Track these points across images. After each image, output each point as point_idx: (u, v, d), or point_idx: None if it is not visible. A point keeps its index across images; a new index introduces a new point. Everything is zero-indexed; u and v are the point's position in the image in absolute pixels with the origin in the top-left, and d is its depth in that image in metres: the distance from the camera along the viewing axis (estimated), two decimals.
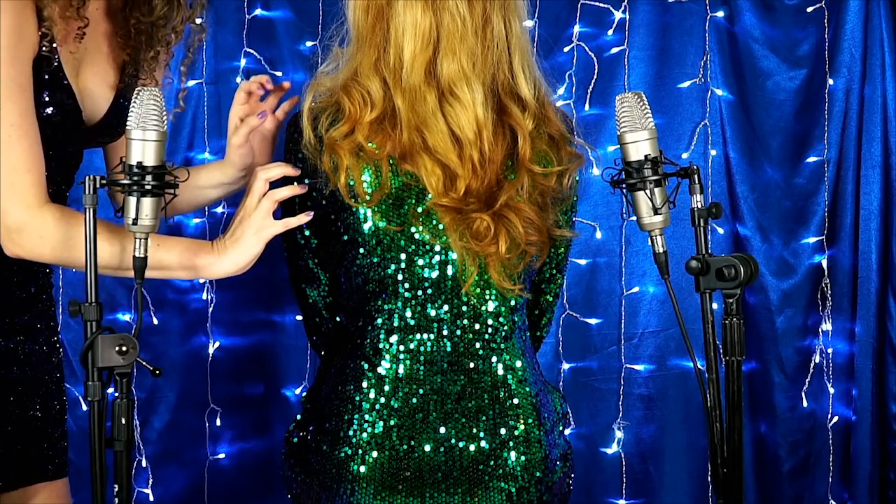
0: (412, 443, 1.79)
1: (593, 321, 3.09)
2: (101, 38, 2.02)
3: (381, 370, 1.81)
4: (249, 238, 1.85)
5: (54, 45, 1.88)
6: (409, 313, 1.82)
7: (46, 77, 1.89)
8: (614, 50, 3.04)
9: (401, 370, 1.81)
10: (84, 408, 2.99)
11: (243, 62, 3.02)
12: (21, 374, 2.02)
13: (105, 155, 2.23)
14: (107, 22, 2.03)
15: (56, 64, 1.90)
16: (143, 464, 3.03)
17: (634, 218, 1.78)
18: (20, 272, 2.00)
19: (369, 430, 1.79)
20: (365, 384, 1.81)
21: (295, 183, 1.85)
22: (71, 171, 2.06)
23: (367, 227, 1.80)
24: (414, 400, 1.81)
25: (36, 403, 2.05)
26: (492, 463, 1.80)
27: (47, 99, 1.90)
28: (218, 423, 3.07)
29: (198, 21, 2.16)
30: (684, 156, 3.04)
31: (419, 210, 1.79)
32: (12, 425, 2.01)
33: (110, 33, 2.03)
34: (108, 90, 2.02)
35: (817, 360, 3.09)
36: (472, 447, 1.80)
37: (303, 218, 1.84)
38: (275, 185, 1.87)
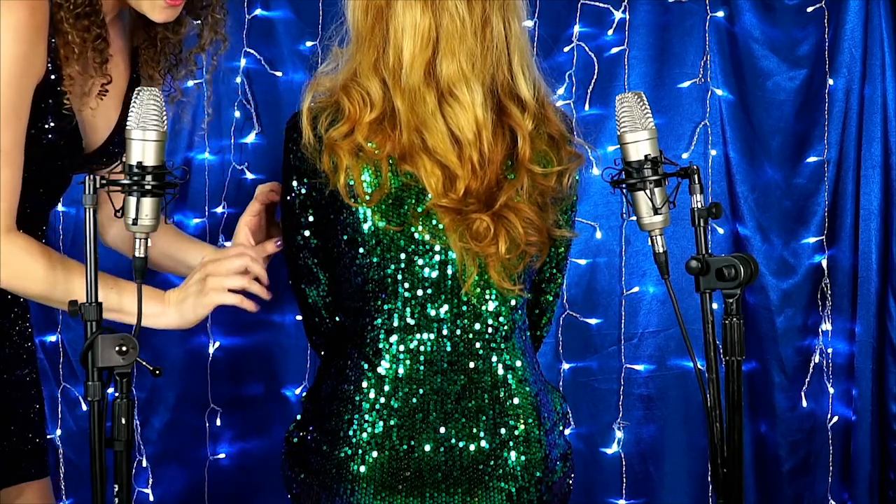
0: (412, 443, 1.79)
1: (593, 321, 3.09)
2: (114, 68, 2.02)
3: (380, 370, 1.81)
4: (203, 300, 1.90)
5: (61, 74, 1.88)
6: (408, 313, 1.82)
7: (51, 102, 1.88)
8: (614, 50, 3.04)
9: (401, 370, 1.81)
10: (84, 408, 2.99)
11: (243, 62, 3.02)
12: None
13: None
14: (122, 58, 2.03)
15: (61, 91, 1.89)
16: (143, 464, 3.03)
17: (634, 218, 1.78)
18: None
19: (369, 429, 1.79)
20: (365, 384, 1.81)
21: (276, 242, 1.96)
22: (58, 194, 2.07)
23: (366, 227, 1.80)
24: (414, 400, 1.81)
25: (17, 405, 2.05)
26: (492, 463, 1.80)
27: (51, 125, 1.90)
28: (218, 423, 3.07)
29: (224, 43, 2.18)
30: (684, 156, 3.04)
31: (419, 210, 1.79)
32: None
33: (122, 56, 2.03)
34: (110, 119, 2.02)
35: (817, 360, 3.09)
36: (472, 447, 1.80)
37: (251, 307, 1.94)
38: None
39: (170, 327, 1.94)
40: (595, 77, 3.04)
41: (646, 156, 1.74)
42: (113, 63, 2.00)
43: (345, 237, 1.82)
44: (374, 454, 1.78)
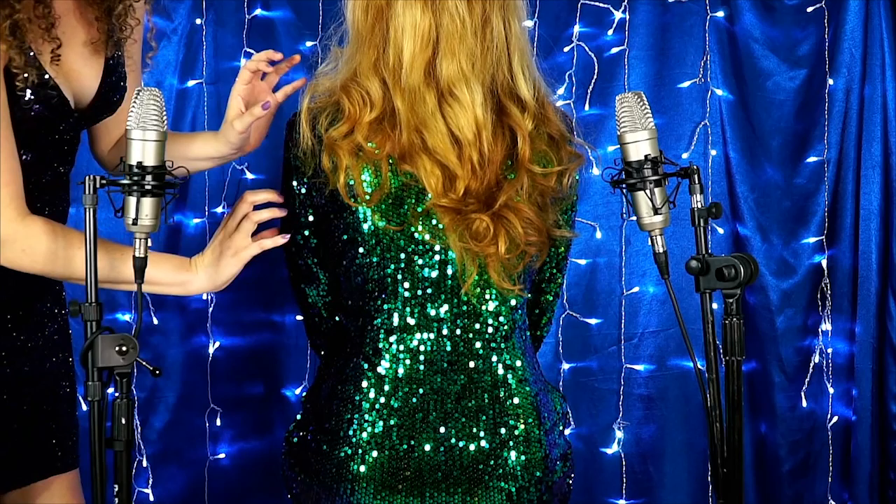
0: (412, 442, 1.79)
1: (593, 321, 3.09)
2: (76, 23, 2.01)
3: (380, 370, 1.81)
4: (227, 259, 1.91)
5: (26, 47, 1.88)
6: (408, 313, 1.82)
7: (26, 76, 1.89)
8: (614, 50, 3.04)
9: (400, 370, 1.81)
10: (84, 408, 2.99)
11: (243, 62, 3.02)
12: (30, 368, 2.02)
13: (91, 137, 2.20)
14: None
15: (34, 61, 1.89)
16: (144, 464, 3.03)
17: (634, 218, 1.78)
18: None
19: (369, 429, 1.79)
20: (365, 384, 1.81)
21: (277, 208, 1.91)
22: (68, 154, 2.06)
23: (366, 226, 1.80)
24: (414, 399, 1.81)
25: (47, 397, 2.05)
26: (492, 462, 1.80)
27: (32, 97, 1.90)
28: (218, 423, 3.07)
29: None
30: (684, 156, 3.04)
31: (419, 210, 1.79)
32: (24, 421, 2.01)
33: (81, 7, 2.03)
34: (94, 69, 2.02)
35: (817, 360, 3.09)
36: (471, 447, 1.80)
37: (279, 240, 1.89)
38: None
39: (202, 291, 1.96)
40: (595, 77, 3.04)
41: (646, 156, 1.74)
42: (75, 17, 1.99)
43: (345, 237, 1.82)
44: (374, 454, 1.79)
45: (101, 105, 2.04)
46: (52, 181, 2.00)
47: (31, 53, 1.89)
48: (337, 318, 1.93)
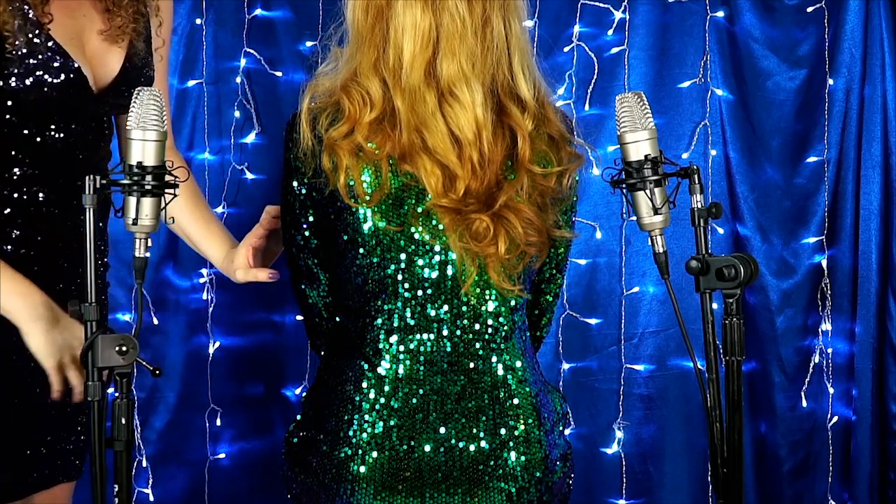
0: (412, 443, 1.79)
1: (593, 321, 3.09)
2: (91, 10, 2.02)
3: (380, 370, 1.81)
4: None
5: (32, 18, 1.89)
6: (408, 313, 1.81)
7: (39, 46, 1.90)
8: (614, 50, 3.04)
9: (401, 370, 1.81)
10: None
11: (243, 62, 3.03)
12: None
13: (119, 131, 2.23)
14: None
15: (44, 32, 1.91)
16: (143, 464, 3.03)
17: (634, 218, 1.78)
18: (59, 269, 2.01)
19: (369, 430, 1.79)
20: (365, 384, 1.81)
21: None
22: (104, 134, 2.08)
23: (366, 227, 1.79)
24: (414, 400, 1.81)
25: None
26: (492, 463, 1.80)
27: (48, 66, 1.91)
28: (218, 423, 3.07)
29: None
30: (684, 156, 3.04)
31: (419, 210, 1.79)
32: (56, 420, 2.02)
33: None
34: (116, 55, 2.03)
35: (817, 360, 3.09)
36: (472, 447, 1.80)
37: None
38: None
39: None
40: (595, 77, 3.04)
41: (646, 156, 1.74)
42: (91, 4, 2.03)
43: (345, 237, 1.82)
44: (374, 454, 1.78)
45: (123, 85, 2.04)
46: (91, 160, 2.02)
47: (29, 13, 1.91)
48: (337, 319, 1.93)
